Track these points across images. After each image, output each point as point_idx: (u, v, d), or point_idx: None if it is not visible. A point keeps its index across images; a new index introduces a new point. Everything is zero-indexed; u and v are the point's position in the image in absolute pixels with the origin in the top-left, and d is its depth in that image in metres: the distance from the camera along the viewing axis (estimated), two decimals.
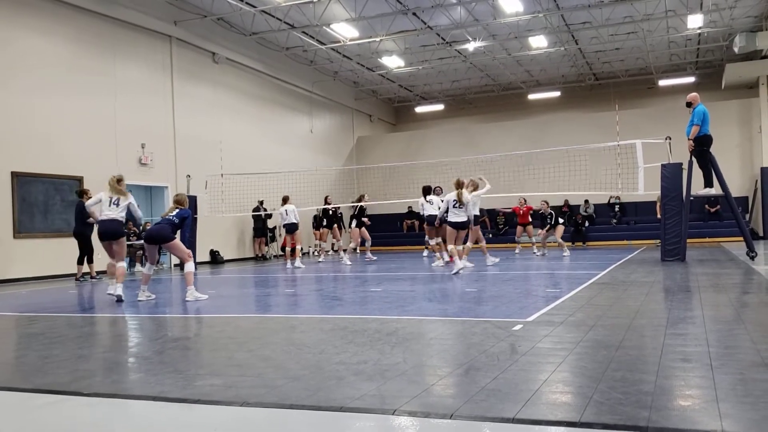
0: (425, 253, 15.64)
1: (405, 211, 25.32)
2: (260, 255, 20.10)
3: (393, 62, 23.11)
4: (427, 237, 14.93)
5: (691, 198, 12.18)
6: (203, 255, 17.51)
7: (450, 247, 11.10)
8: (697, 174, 11.71)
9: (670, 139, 12.57)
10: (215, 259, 18.44)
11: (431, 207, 13.49)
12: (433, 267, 12.76)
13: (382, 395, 3.16)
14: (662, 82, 26.15)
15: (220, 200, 16.89)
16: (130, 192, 9.03)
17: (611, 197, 23.32)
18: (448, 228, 11.25)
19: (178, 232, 8.50)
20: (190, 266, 8.39)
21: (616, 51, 23.12)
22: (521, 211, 16.81)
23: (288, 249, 15.44)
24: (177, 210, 8.41)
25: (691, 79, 25.60)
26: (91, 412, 3.23)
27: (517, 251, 17.29)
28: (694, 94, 11.87)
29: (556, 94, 27.52)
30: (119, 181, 8.82)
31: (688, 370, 3.50)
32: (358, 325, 5.49)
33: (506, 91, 28.40)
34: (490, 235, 20.79)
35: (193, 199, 15.12)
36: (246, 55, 20.20)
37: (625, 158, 13.96)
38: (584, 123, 24.20)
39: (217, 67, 19.24)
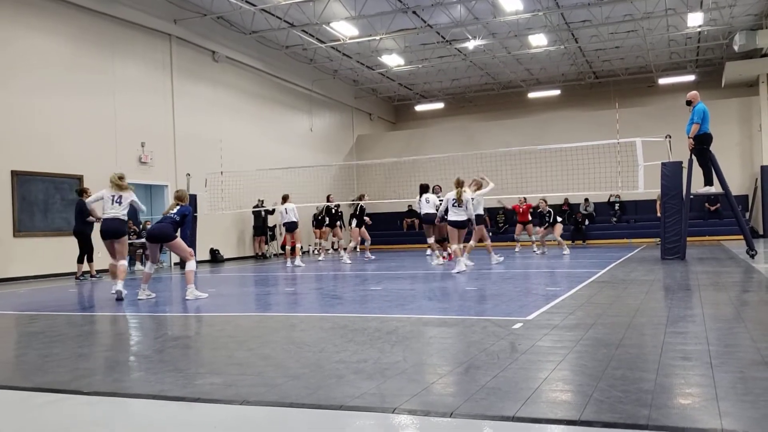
0: (429, 252, 15.59)
1: (405, 209, 25.32)
2: (260, 254, 20.10)
3: (393, 61, 23.10)
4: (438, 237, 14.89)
5: (691, 196, 12.18)
6: (203, 254, 17.51)
7: (453, 246, 11.11)
8: (697, 172, 11.71)
9: (670, 137, 12.57)
10: (215, 257, 18.44)
11: (427, 206, 13.47)
12: (433, 266, 12.76)
13: (382, 394, 3.17)
14: (662, 81, 26.14)
15: (220, 198, 16.89)
16: (131, 188, 9.06)
17: (611, 196, 23.31)
18: (449, 227, 11.25)
19: (179, 230, 8.50)
20: (191, 265, 8.39)
21: (616, 49, 23.11)
22: (521, 210, 16.81)
23: (288, 247, 15.45)
24: (178, 207, 8.41)
25: (691, 78, 25.59)
26: (91, 411, 3.23)
27: (516, 249, 17.29)
28: (694, 92, 11.87)
29: (556, 92, 27.51)
30: (121, 178, 8.83)
31: (688, 368, 3.50)
32: (358, 324, 5.49)
33: (506, 90, 28.39)
34: (490, 234, 20.76)
35: (193, 198, 15.13)
36: (246, 53, 20.19)
37: (625, 156, 13.95)
38: (584, 121, 24.20)
39: (217, 66, 19.23)
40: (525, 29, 20.03)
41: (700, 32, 21.17)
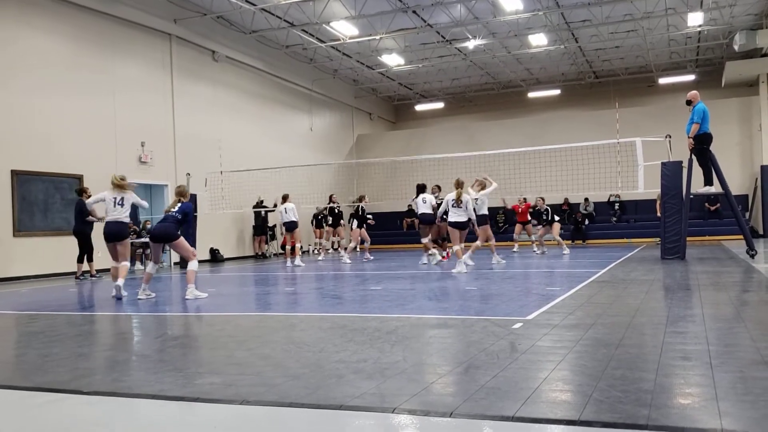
0: (434, 251, 15.53)
1: (405, 209, 25.32)
2: (260, 253, 20.10)
3: (393, 60, 23.10)
4: (435, 236, 14.85)
5: (691, 196, 12.18)
6: (203, 253, 17.51)
7: (455, 247, 11.11)
8: (697, 172, 11.71)
9: (670, 137, 12.57)
10: (215, 257, 18.45)
11: (424, 206, 13.43)
12: (433, 265, 12.77)
13: (381, 393, 3.16)
14: (662, 80, 26.14)
15: (220, 198, 16.89)
16: (133, 186, 9.12)
17: (611, 195, 23.32)
18: (449, 228, 11.25)
19: (183, 228, 8.49)
20: (193, 265, 8.38)
21: (616, 49, 23.11)
22: (520, 210, 16.82)
23: (288, 247, 15.46)
24: (179, 204, 8.39)
25: (691, 77, 25.59)
26: (91, 411, 3.23)
27: (515, 249, 17.29)
28: (694, 92, 11.86)
29: (556, 92, 27.51)
30: (122, 179, 8.86)
31: (687, 368, 3.50)
32: (358, 324, 5.49)
33: (506, 89, 28.39)
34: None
35: (193, 197, 15.12)
36: (246, 53, 20.19)
37: (625, 156, 13.95)
38: (584, 121, 24.21)
39: (217, 65, 19.22)
40: (525, 29, 20.03)
41: (700, 32, 21.17)
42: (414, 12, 18.42)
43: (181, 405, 3.20)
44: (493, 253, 13.03)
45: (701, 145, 11.39)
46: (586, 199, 23.70)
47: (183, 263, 15.44)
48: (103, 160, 14.90)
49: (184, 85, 17.79)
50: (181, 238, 8.30)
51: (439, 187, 14.52)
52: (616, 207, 23.72)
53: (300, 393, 3.24)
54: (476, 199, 12.49)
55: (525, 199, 16.88)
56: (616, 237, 22.54)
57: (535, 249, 16.21)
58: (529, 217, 16.81)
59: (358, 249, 17.88)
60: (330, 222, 19.04)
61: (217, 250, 18.56)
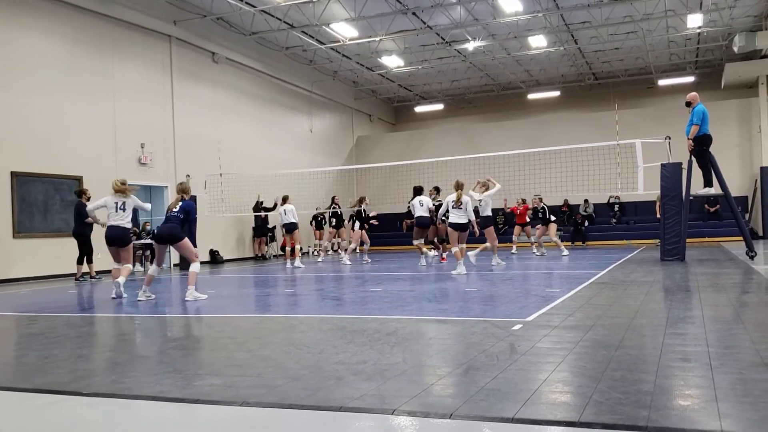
0: (433, 253, 15.54)
1: (405, 211, 25.26)
2: (260, 255, 20.10)
3: (392, 62, 23.12)
4: (432, 238, 14.85)
5: (691, 198, 12.19)
6: (203, 255, 17.48)
7: (454, 249, 11.11)
8: (697, 174, 11.71)
9: (669, 138, 12.57)
10: (215, 258, 18.44)
11: (421, 209, 13.40)
12: (427, 265, 12.77)
13: (381, 395, 3.17)
14: (662, 82, 26.17)
15: (220, 200, 16.89)
16: (134, 188, 9.15)
17: (611, 197, 23.33)
18: (449, 229, 11.25)
19: (187, 227, 8.46)
20: (195, 266, 8.37)
21: (616, 50, 23.13)
22: (518, 211, 16.83)
23: (288, 249, 15.46)
24: (180, 203, 8.36)
25: (690, 79, 25.61)
26: (90, 412, 3.23)
27: (514, 251, 17.29)
28: (693, 93, 11.87)
29: (556, 93, 27.53)
30: (123, 184, 8.90)
31: (687, 369, 3.50)
32: (358, 325, 5.49)
33: (506, 91, 28.41)
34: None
35: (192, 199, 15.10)
36: (246, 54, 20.20)
37: (625, 158, 13.95)
38: (584, 123, 24.22)
39: (217, 67, 19.23)
40: (524, 30, 20.05)
41: (699, 33, 21.19)
42: (414, 14, 18.43)
43: (181, 406, 3.20)
44: (494, 254, 13.04)
45: (701, 146, 11.40)
46: (586, 201, 23.71)
47: (183, 264, 15.45)
48: (102, 161, 14.90)
49: (183, 86, 17.80)
50: (186, 239, 8.28)
51: (437, 190, 14.49)
52: (616, 208, 23.73)
53: (300, 394, 3.24)
54: (480, 200, 12.53)
55: (524, 200, 16.89)
56: (616, 238, 22.55)
57: (535, 250, 16.21)
58: (528, 219, 16.82)
59: (357, 250, 17.88)
60: (333, 223, 19.08)
61: (217, 251, 18.56)
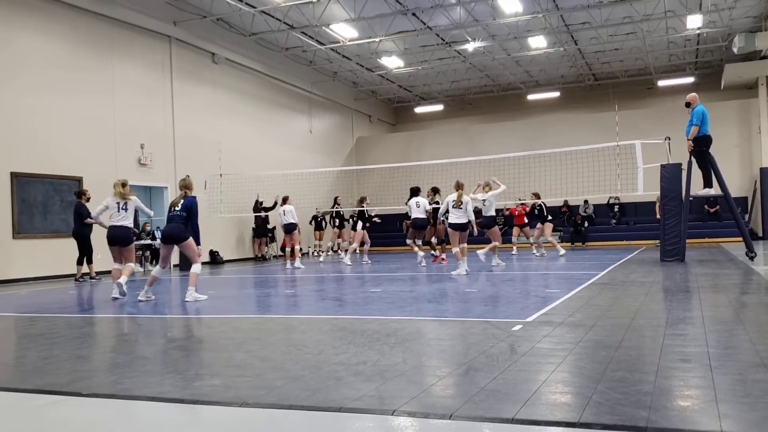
0: (422, 254, 15.54)
1: (404, 211, 25.26)
2: (260, 255, 20.10)
3: (392, 63, 23.12)
4: (429, 238, 14.83)
5: (691, 198, 12.19)
6: (202, 255, 17.47)
7: (454, 249, 11.10)
8: (697, 174, 11.72)
9: (669, 139, 12.58)
10: (214, 259, 18.44)
11: (417, 210, 13.38)
12: (422, 266, 12.78)
13: (381, 396, 3.16)
14: (661, 83, 26.17)
15: (219, 200, 16.88)
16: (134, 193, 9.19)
17: (610, 198, 23.32)
18: (449, 229, 11.25)
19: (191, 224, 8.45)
20: (197, 267, 8.38)
21: (616, 51, 23.14)
22: (516, 212, 16.83)
23: (288, 249, 15.47)
24: (183, 200, 8.34)
25: (690, 80, 25.62)
26: (90, 413, 3.23)
27: (514, 252, 17.29)
28: (693, 94, 11.87)
29: (556, 94, 27.54)
30: (124, 185, 8.91)
31: (687, 370, 3.50)
32: (358, 326, 5.49)
33: (506, 92, 28.41)
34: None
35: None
36: (245, 55, 20.20)
37: (625, 158, 13.97)
38: (583, 123, 24.22)
39: (217, 68, 19.23)
40: (524, 31, 20.06)
41: (699, 34, 21.19)
42: (413, 14, 18.44)
43: (181, 407, 3.20)
44: (494, 254, 13.06)
45: (701, 147, 11.40)
46: (586, 202, 23.70)
47: (183, 265, 15.44)
48: (102, 162, 14.90)
49: (183, 87, 17.80)
50: (190, 240, 8.29)
51: (434, 191, 14.47)
52: (616, 209, 23.73)
53: (299, 395, 3.24)
54: (484, 200, 12.57)
55: (522, 202, 16.88)
56: (616, 239, 22.55)
57: (534, 251, 16.21)
58: (526, 220, 16.84)
59: (357, 251, 17.88)
60: (337, 224, 19.08)
61: (217, 252, 18.56)
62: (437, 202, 14.00)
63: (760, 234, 21.34)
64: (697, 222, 20.94)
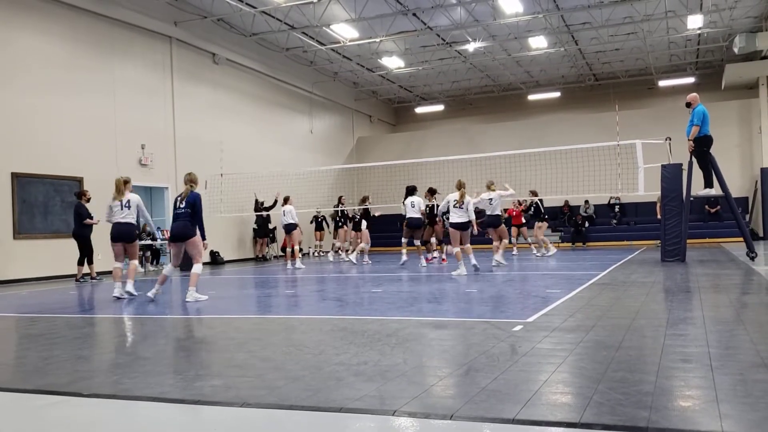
0: (435, 254, 15.55)
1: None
2: (260, 256, 20.09)
3: (393, 63, 23.12)
4: (428, 238, 14.83)
5: (691, 198, 12.18)
6: (204, 255, 17.47)
7: (455, 250, 11.10)
8: (697, 174, 11.71)
9: (670, 139, 12.57)
10: (215, 259, 18.44)
11: (412, 210, 13.36)
12: (400, 266, 12.81)
13: (382, 396, 3.16)
14: (662, 83, 26.16)
15: (220, 200, 16.89)
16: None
17: (611, 198, 23.32)
18: (450, 229, 11.24)
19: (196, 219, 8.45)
20: (197, 268, 8.39)
21: (616, 51, 23.13)
22: (514, 213, 16.82)
23: (288, 250, 15.48)
24: (187, 197, 8.36)
25: (690, 80, 25.61)
26: (91, 413, 3.23)
27: (514, 252, 17.28)
28: (693, 94, 11.87)
29: (556, 94, 27.53)
30: (126, 182, 8.97)
31: (688, 370, 3.50)
32: (358, 326, 5.49)
33: (506, 92, 28.41)
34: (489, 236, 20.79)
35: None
36: (246, 55, 20.21)
37: (625, 159, 13.96)
38: (584, 123, 24.22)
39: (218, 68, 19.24)
40: (525, 31, 20.05)
41: (699, 34, 21.18)
42: (414, 15, 18.44)
43: (182, 407, 3.20)
44: (495, 253, 13.07)
45: (701, 147, 11.39)
46: (587, 202, 23.70)
47: (183, 265, 15.42)
48: (103, 162, 14.90)
49: (184, 87, 17.81)
50: (196, 238, 8.32)
51: (431, 192, 14.44)
52: (617, 209, 23.72)
53: (300, 395, 3.24)
54: (490, 199, 12.63)
55: (520, 202, 16.88)
56: (617, 239, 22.54)
57: (534, 251, 16.21)
58: (523, 220, 16.84)
59: (363, 251, 17.85)
60: (340, 224, 19.07)
61: (217, 252, 18.56)
62: (434, 203, 14.04)
63: (761, 234, 21.33)
64: (697, 222, 20.94)
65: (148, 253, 16.42)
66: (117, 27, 15.73)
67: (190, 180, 8.52)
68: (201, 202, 8.39)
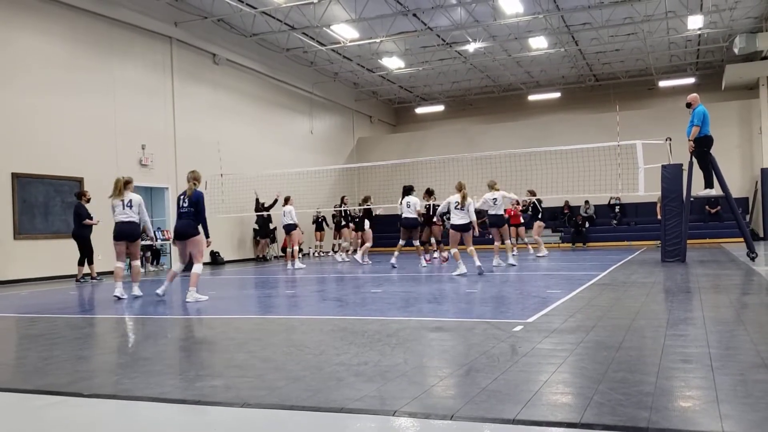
0: (436, 254, 15.54)
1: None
2: (261, 256, 20.09)
3: (393, 63, 23.12)
4: (426, 238, 14.83)
5: (692, 199, 12.18)
6: (204, 255, 17.47)
7: (453, 250, 11.09)
8: (698, 175, 11.71)
9: (670, 140, 12.58)
10: (215, 260, 18.44)
11: (408, 210, 13.32)
12: (423, 267, 12.79)
13: (382, 396, 3.16)
14: (662, 83, 26.15)
15: (220, 200, 16.89)
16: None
17: (611, 198, 23.32)
18: (451, 230, 11.24)
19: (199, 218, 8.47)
20: (198, 268, 8.41)
21: (617, 52, 23.12)
22: (512, 213, 16.82)
23: (288, 250, 15.48)
24: (190, 196, 8.36)
25: (691, 80, 25.61)
26: (91, 413, 3.23)
27: (514, 252, 17.25)
28: (694, 95, 11.87)
29: (557, 95, 27.53)
30: (127, 182, 9.02)
31: (688, 371, 3.50)
32: (359, 327, 5.49)
33: (506, 92, 28.41)
34: (490, 237, 20.78)
35: None
36: (246, 56, 20.21)
37: (626, 159, 13.96)
38: (584, 124, 24.22)
39: (218, 68, 19.24)
40: (525, 32, 20.05)
41: (700, 35, 21.18)
42: (414, 15, 18.44)
43: (182, 408, 3.20)
44: (496, 254, 13.08)
45: (702, 147, 11.39)
46: (587, 202, 23.70)
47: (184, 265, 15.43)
48: (103, 162, 14.90)
49: (184, 87, 17.81)
50: (198, 237, 8.35)
51: (429, 193, 14.41)
52: (617, 210, 23.72)
53: (300, 396, 3.24)
54: (494, 199, 12.72)
55: (518, 202, 16.87)
56: (617, 240, 22.53)
57: (533, 252, 16.20)
58: (522, 220, 16.84)
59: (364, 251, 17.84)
60: (343, 224, 19.06)
61: (218, 252, 18.56)
62: (432, 206, 14.04)
63: (761, 234, 21.32)
64: (698, 222, 20.93)
65: (149, 254, 16.42)
66: (117, 27, 15.73)
67: (194, 178, 8.53)
68: (204, 200, 8.41)
